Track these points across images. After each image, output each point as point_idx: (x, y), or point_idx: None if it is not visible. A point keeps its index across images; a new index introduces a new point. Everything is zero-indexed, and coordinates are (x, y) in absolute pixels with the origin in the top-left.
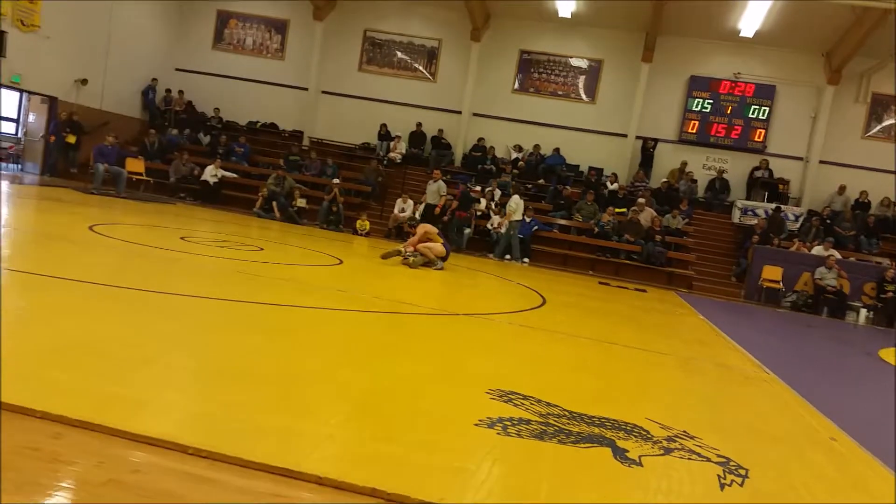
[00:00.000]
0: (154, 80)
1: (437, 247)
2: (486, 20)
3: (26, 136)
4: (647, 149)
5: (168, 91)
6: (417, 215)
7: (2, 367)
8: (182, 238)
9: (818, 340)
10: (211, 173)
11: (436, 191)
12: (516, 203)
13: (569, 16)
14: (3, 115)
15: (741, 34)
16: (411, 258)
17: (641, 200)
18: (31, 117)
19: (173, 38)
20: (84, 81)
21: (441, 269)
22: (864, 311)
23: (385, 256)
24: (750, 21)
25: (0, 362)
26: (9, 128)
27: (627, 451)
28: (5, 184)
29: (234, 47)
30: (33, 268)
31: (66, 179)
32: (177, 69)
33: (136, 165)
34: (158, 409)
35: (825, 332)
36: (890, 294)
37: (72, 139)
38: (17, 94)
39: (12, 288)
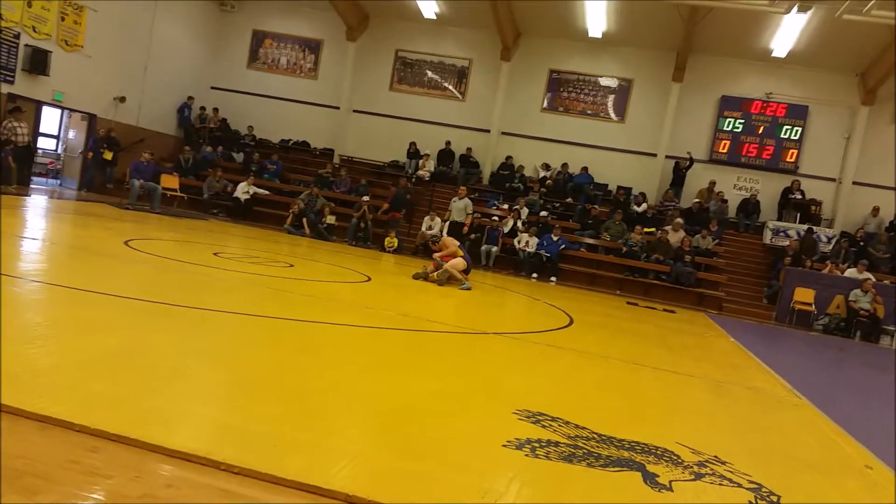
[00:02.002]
0: (190, 97)
1: (459, 261)
2: (515, 40)
3: (65, 152)
4: (681, 169)
5: (203, 109)
6: (444, 233)
7: (42, 379)
8: (215, 254)
9: (852, 365)
10: (243, 190)
11: (462, 208)
12: (463, 205)
13: (599, 35)
14: (45, 131)
15: (773, 54)
16: (435, 273)
17: (679, 220)
18: (71, 134)
19: (209, 58)
20: (122, 99)
21: (468, 288)
22: None
23: (417, 276)
24: (782, 41)
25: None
26: (49, 144)
27: (658, 476)
28: (45, 198)
29: (269, 66)
30: (71, 282)
31: (103, 195)
32: (212, 87)
33: (170, 182)
34: (192, 424)
35: (859, 356)
36: None
37: (108, 155)
38: (58, 112)
39: (51, 301)
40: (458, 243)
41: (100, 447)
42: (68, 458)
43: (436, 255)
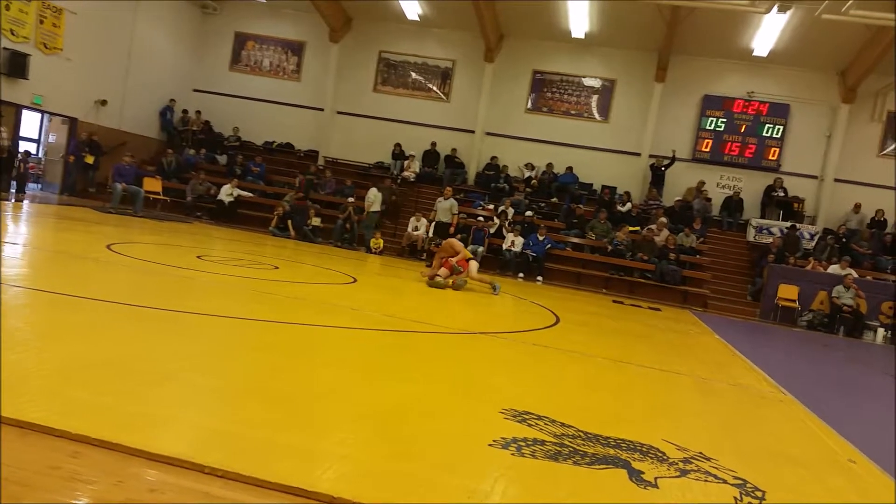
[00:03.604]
0: (172, 100)
1: (474, 264)
2: (499, 41)
3: (46, 156)
4: (658, 168)
5: (185, 111)
6: (430, 233)
7: (22, 385)
8: (198, 257)
9: (835, 360)
10: (227, 192)
11: (447, 208)
12: (374, 195)
13: (582, 36)
14: (25, 135)
15: (755, 53)
16: (451, 279)
17: (663, 220)
18: (52, 137)
19: (192, 60)
20: (103, 102)
21: (498, 288)
22: (881, 331)
23: (433, 285)
24: (764, 40)
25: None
26: (30, 148)
27: (643, 473)
28: (26, 203)
29: (252, 69)
30: (53, 286)
31: (85, 198)
32: (195, 90)
33: (153, 185)
34: (175, 428)
35: (842, 351)
36: None
37: (90, 159)
38: (38, 115)
39: (32, 306)
40: (461, 244)
41: (81, 452)
42: (48, 464)
43: (452, 260)
